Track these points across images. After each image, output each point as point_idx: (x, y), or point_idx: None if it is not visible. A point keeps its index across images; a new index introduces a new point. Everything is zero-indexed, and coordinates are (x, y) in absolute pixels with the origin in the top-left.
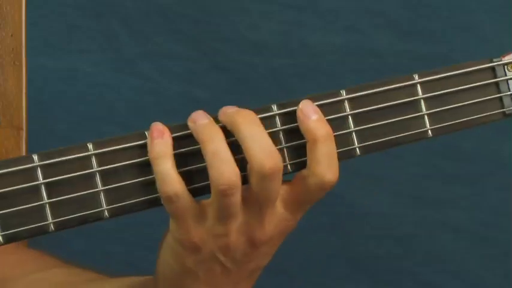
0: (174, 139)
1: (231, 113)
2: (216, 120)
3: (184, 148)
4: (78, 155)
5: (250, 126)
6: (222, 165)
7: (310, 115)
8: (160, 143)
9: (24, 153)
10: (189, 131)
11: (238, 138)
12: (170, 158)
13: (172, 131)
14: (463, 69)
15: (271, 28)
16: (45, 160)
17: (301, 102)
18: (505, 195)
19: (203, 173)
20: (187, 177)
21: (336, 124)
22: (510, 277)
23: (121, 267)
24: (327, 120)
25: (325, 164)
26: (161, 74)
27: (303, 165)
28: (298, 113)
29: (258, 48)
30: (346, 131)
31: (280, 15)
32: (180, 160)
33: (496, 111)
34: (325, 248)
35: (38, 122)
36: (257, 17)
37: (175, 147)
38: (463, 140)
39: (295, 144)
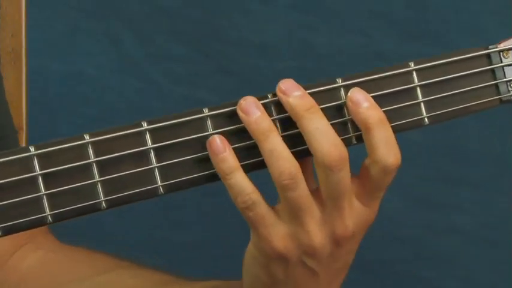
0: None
1: (293, 103)
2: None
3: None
4: (75, 145)
5: (313, 120)
6: (280, 162)
7: (361, 103)
8: (227, 157)
9: None
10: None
11: (301, 130)
12: (239, 169)
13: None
14: (458, 56)
15: (276, 30)
16: (42, 151)
17: (350, 91)
18: (510, 199)
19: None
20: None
21: (331, 113)
22: None
23: None
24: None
25: (384, 149)
26: (165, 76)
27: (300, 154)
28: (348, 103)
29: (263, 50)
30: (342, 119)
31: (285, 17)
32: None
33: (492, 98)
34: None
35: (41, 123)
36: (262, 19)
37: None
38: (469, 143)
39: (291, 133)
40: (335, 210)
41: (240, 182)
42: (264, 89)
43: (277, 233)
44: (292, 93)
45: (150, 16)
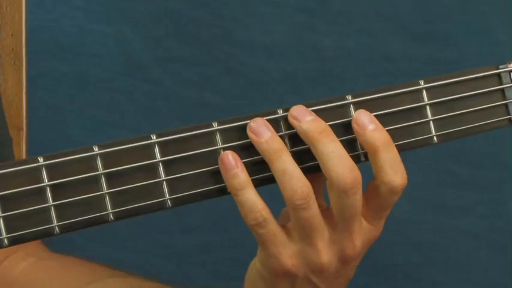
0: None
1: (306, 128)
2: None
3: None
4: (84, 157)
5: (327, 144)
6: (292, 182)
7: (367, 126)
8: (238, 174)
9: (24, 153)
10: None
11: (316, 154)
12: (251, 185)
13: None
14: (468, 75)
15: (284, 32)
16: (50, 162)
17: (355, 113)
18: None
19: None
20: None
21: (340, 130)
22: None
23: None
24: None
25: (391, 170)
26: (173, 79)
27: (308, 170)
28: (354, 125)
29: (270, 53)
30: (351, 136)
31: (292, 19)
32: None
33: (502, 118)
34: None
35: (47, 124)
36: (269, 21)
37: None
38: (481, 146)
39: (300, 149)
40: (346, 231)
41: (251, 198)
42: (271, 91)
43: (287, 251)
44: (305, 119)
45: (158, 18)
